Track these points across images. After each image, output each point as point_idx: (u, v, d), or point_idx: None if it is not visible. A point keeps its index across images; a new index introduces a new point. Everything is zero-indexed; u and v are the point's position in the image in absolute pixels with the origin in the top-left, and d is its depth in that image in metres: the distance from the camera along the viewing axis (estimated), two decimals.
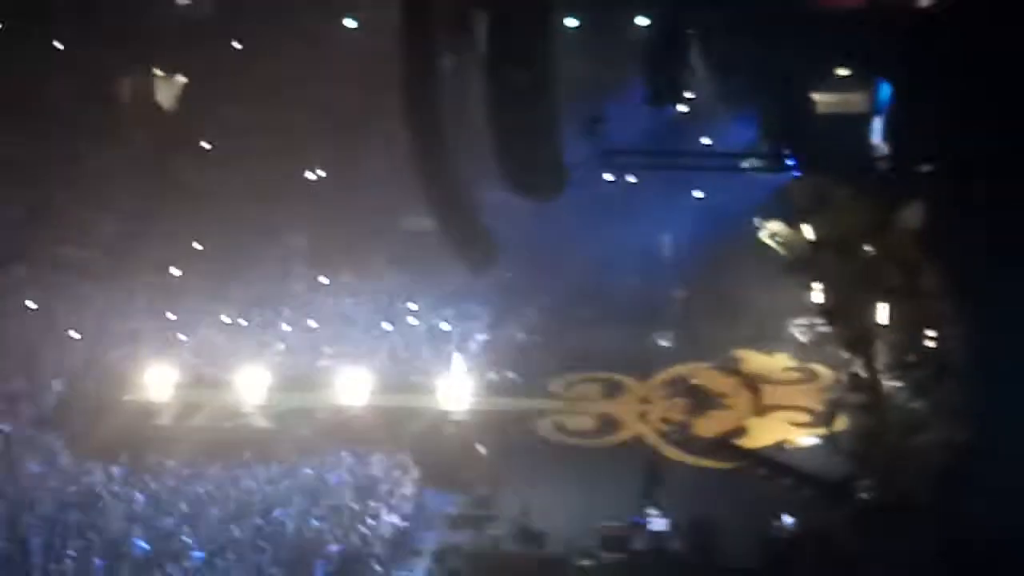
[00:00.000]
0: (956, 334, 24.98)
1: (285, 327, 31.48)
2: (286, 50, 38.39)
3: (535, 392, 29.11)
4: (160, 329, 31.42)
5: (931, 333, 25.86)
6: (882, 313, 27.98)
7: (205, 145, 38.53)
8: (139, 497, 24.13)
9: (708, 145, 33.10)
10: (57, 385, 29.16)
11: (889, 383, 26.89)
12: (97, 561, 21.52)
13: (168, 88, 40.40)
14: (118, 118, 39.48)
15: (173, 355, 29.76)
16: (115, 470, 25.19)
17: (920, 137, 28.54)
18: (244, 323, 31.75)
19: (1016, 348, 24.63)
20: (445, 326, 31.24)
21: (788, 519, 22.78)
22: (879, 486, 23.83)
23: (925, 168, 28.12)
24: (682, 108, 32.42)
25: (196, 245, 34.99)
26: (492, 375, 29.25)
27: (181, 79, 40.32)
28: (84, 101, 38.33)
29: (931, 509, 23.01)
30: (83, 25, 37.41)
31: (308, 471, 24.94)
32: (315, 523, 22.82)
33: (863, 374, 26.68)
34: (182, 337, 30.96)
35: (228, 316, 31.82)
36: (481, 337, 30.95)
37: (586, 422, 28.17)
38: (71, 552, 21.65)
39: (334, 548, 22.01)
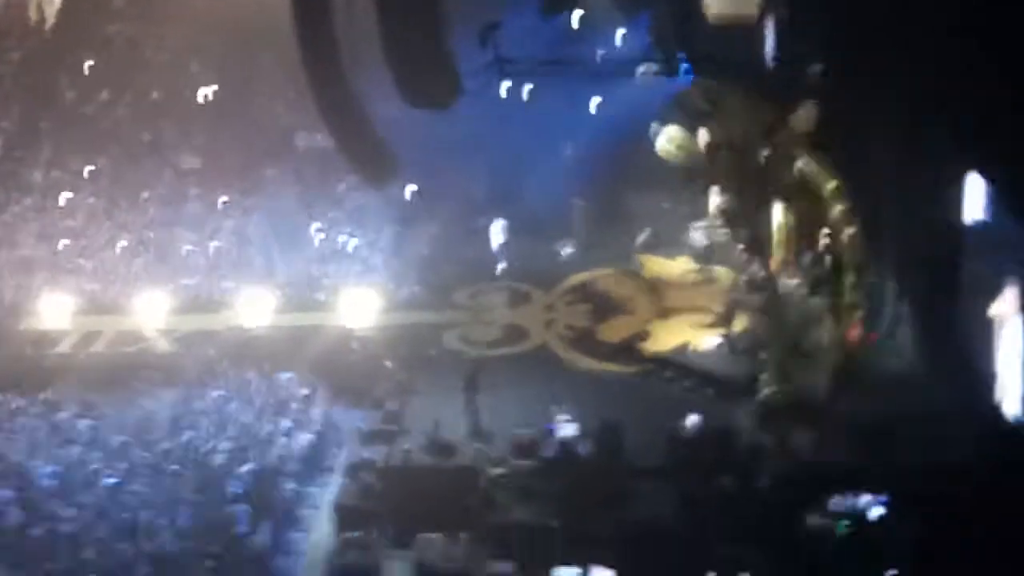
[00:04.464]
0: (849, 231, 25.56)
1: (185, 248, 30.92)
2: None
3: (440, 305, 29.22)
4: (53, 256, 30.71)
5: (825, 232, 26.41)
6: (778, 214, 28.54)
7: (87, 63, 37.36)
8: (42, 426, 23.83)
9: (603, 52, 33.06)
10: None
11: (786, 282, 27.52)
12: (4, 493, 21.23)
13: (44, 5, 39.00)
14: None
15: (68, 282, 29.16)
16: (16, 400, 24.78)
17: (810, 38, 28.85)
18: (141, 246, 31.04)
19: (907, 243, 25.42)
20: (347, 241, 31.01)
21: (692, 419, 23.28)
22: (778, 383, 24.47)
23: (815, 68, 28.47)
24: (576, 15, 32.25)
25: (86, 168, 34.03)
26: (397, 289, 29.22)
27: None
28: None
29: (828, 402, 23.84)
30: None
31: (215, 393, 24.78)
32: (225, 444, 22.76)
33: (761, 274, 27.24)
34: (80, 263, 30.26)
35: (124, 240, 31.13)
36: (384, 252, 30.85)
37: (492, 332, 28.38)
38: None
39: (245, 468, 22.01)
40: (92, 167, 34.03)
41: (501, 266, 30.45)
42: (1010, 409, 20.39)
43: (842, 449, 21.85)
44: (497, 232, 30.63)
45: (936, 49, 21.04)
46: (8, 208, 32.65)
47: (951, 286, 22.32)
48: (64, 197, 32.94)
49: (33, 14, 38.69)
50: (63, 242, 31.14)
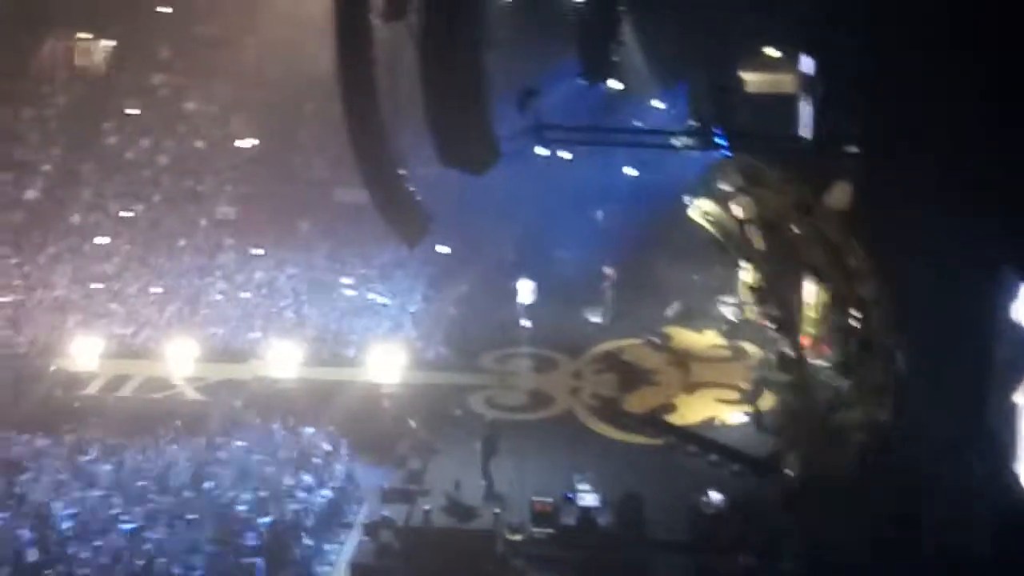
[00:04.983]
0: (880, 314, 25.43)
1: (216, 298, 31.16)
2: (216, 15, 38.02)
3: (467, 367, 29.23)
4: (86, 298, 31.00)
5: (855, 313, 26.27)
6: (809, 293, 28.47)
7: (131, 110, 37.96)
8: (65, 468, 23.86)
9: (640, 123, 33.30)
10: None
11: (814, 361, 27.38)
12: (23, 533, 21.26)
13: (92, 52, 39.73)
14: (39, 81, 38.79)
15: (100, 325, 29.40)
16: (40, 441, 24.86)
17: (847, 118, 28.93)
18: (173, 294, 31.29)
19: (937, 328, 25.24)
20: (377, 299, 31.15)
21: (715, 494, 23.11)
22: (803, 462, 24.26)
23: (851, 149, 28.54)
24: (615, 85, 32.53)
25: (123, 213, 34.45)
26: (424, 349, 29.27)
27: (106, 43, 39.70)
28: (3, 64, 37.66)
29: (853, 485, 23.60)
30: None
31: (238, 443, 24.80)
32: (245, 495, 22.74)
33: (789, 352, 27.11)
34: (112, 307, 30.53)
35: (157, 286, 31.42)
36: (413, 311, 30.96)
37: (517, 397, 28.36)
38: None
39: (264, 520, 21.94)
40: (130, 213, 34.48)
41: (526, 323, 30.46)
42: None
43: (867, 532, 21.57)
44: (524, 292, 30.70)
45: (977, 132, 21.11)
46: (45, 249, 33.07)
47: (982, 371, 22.15)
48: (100, 241, 33.34)
49: (79, 60, 39.44)
50: (97, 285, 31.51)
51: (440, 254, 32.13)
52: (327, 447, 24.84)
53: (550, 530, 22.62)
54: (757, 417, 26.66)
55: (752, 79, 31.71)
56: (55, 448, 24.67)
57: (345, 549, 22.67)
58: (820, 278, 27.86)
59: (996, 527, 19.81)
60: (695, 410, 27.43)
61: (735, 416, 26.94)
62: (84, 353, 28.10)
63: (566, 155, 33.34)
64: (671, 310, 31.24)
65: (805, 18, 27.99)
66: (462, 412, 27.44)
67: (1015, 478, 19.83)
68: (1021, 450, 20.15)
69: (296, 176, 35.57)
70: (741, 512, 22.68)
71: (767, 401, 26.93)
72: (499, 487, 23.95)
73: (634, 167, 34.19)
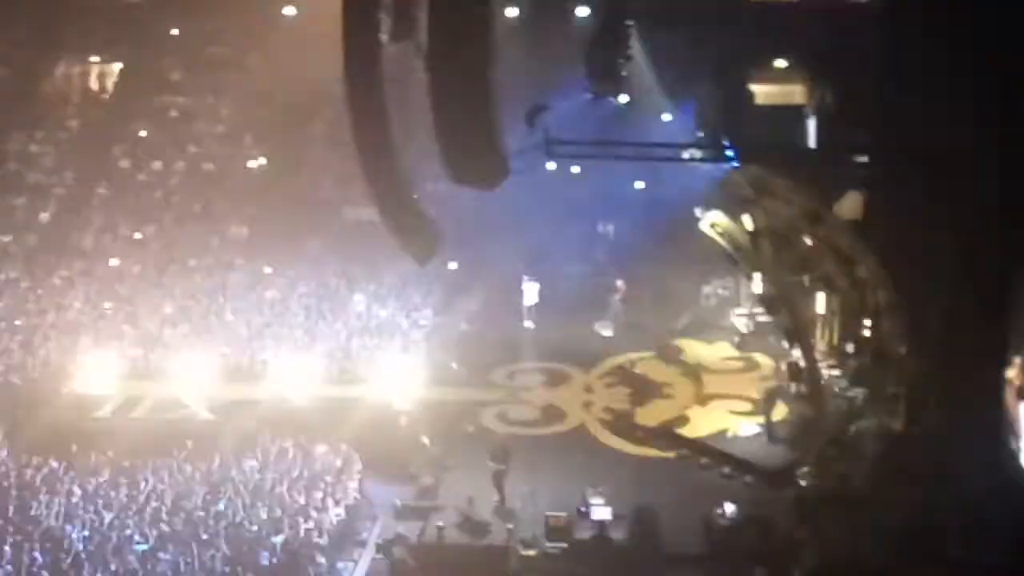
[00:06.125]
0: (892, 322, 25.35)
1: (228, 317, 31.22)
2: (225, 37, 38.26)
3: (479, 382, 29.19)
4: (98, 320, 31.08)
5: (867, 322, 26.20)
6: (820, 303, 28.40)
7: (142, 133, 38.19)
8: (78, 490, 23.90)
9: (649, 136, 33.30)
10: None
11: (827, 372, 27.30)
12: (36, 555, 21.27)
13: (103, 75, 40.01)
14: (51, 104, 39.07)
15: (112, 347, 29.46)
16: (53, 463, 24.89)
17: (856, 128, 28.89)
18: (185, 314, 31.36)
19: (950, 336, 25.14)
20: (389, 316, 31.16)
21: (729, 506, 23.02)
22: (817, 473, 24.16)
23: (861, 159, 28.48)
24: (623, 98, 32.55)
25: (135, 235, 34.60)
26: (436, 365, 29.26)
27: (117, 66, 39.97)
28: (15, 88, 37.95)
29: (868, 495, 23.48)
30: (12, 8, 37.02)
31: (252, 463, 24.80)
32: (259, 514, 22.72)
33: (802, 363, 27.02)
34: (124, 328, 30.62)
35: (168, 307, 31.50)
36: (424, 327, 30.96)
37: (530, 412, 28.30)
38: (8, 547, 21.35)
39: (278, 539, 21.92)
40: (141, 234, 34.63)
41: (529, 324, 30.42)
42: None
43: (881, 543, 21.44)
44: (529, 292, 30.83)
45: (985, 139, 21.07)
46: (57, 271, 33.21)
47: (995, 379, 22.06)
48: (112, 262, 33.46)
49: (93, 83, 39.73)
50: (109, 307, 31.57)
51: (450, 270, 32.14)
52: (339, 465, 24.81)
53: (564, 544, 22.55)
54: (770, 428, 26.56)
55: (761, 90, 31.69)
56: (68, 471, 24.66)
57: (359, 567, 22.62)
58: (831, 288, 27.82)
59: (1012, 536, 19.69)
60: (708, 422, 27.35)
61: (748, 428, 26.84)
62: (97, 375, 28.18)
63: (576, 169, 33.36)
64: (682, 322, 31.18)
65: (813, 30, 28.06)
66: (474, 428, 27.39)
67: None
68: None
69: (306, 195, 35.69)
70: (755, 524, 22.56)
71: (780, 412, 26.83)
72: (512, 502, 23.91)
73: (643, 180, 34.17)
